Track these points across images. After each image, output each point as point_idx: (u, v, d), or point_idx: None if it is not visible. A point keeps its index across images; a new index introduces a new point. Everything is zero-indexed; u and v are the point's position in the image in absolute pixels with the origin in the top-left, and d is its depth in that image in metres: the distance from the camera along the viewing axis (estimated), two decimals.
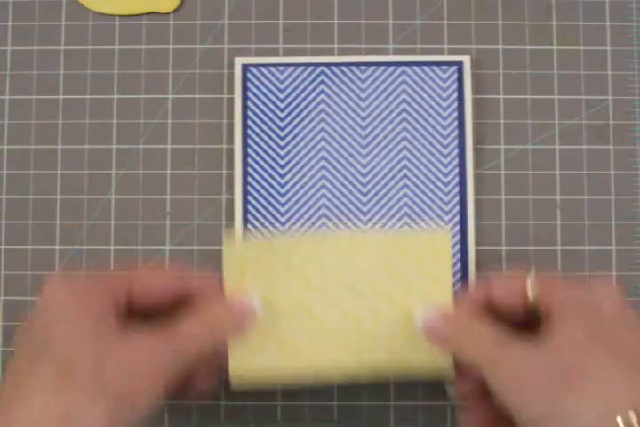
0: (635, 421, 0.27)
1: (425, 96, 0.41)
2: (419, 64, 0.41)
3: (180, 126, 0.41)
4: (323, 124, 0.41)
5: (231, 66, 0.41)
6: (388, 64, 0.41)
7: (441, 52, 0.42)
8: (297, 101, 0.41)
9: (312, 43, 0.42)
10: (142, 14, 0.42)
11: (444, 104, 0.41)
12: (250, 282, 0.36)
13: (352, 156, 0.41)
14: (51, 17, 0.42)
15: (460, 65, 0.41)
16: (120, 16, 0.42)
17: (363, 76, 0.41)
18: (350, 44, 0.42)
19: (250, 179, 0.40)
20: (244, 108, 0.41)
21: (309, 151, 0.40)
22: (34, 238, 0.41)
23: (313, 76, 0.41)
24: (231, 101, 0.41)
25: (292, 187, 0.40)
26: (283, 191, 0.40)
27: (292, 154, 0.40)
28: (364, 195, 0.40)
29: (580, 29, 0.42)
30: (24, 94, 0.42)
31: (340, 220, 0.40)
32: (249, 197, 0.40)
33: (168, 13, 0.42)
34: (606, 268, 0.40)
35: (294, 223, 0.40)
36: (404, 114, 0.41)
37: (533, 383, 0.30)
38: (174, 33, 0.42)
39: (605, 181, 0.41)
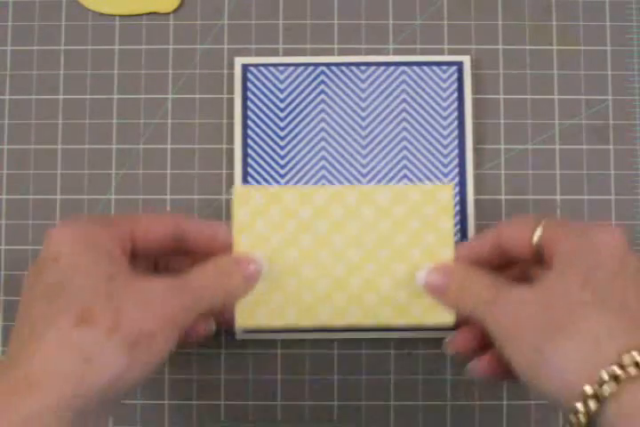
0: (619, 373, 0.27)
1: (425, 96, 0.41)
2: (419, 64, 0.41)
3: (180, 126, 0.41)
4: (323, 124, 0.41)
5: (231, 66, 0.41)
6: (388, 64, 0.41)
7: (441, 52, 0.42)
8: (297, 101, 0.41)
9: (312, 43, 0.42)
10: (142, 14, 0.42)
11: (444, 104, 0.41)
12: (259, 233, 0.36)
13: (352, 156, 0.41)
14: (51, 17, 0.42)
15: (459, 65, 0.41)
16: (120, 16, 0.42)
17: (363, 76, 0.41)
18: (350, 44, 0.42)
19: (250, 179, 0.40)
20: (244, 108, 0.41)
21: (309, 151, 0.41)
22: (34, 238, 0.41)
23: (313, 76, 0.41)
24: (231, 101, 0.41)
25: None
26: None
27: (291, 154, 0.40)
28: None
29: (580, 29, 0.42)
30: (24, 94, 0.42)
31: None
32: None
33: (168, 13, 0.42)
34: None
35: None
36: (403, 114, 0.41)
37: (524, 329, 0.30)
38: (174, 33, 0.42)
39: (605, 181, 0.41)
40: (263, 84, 0.41)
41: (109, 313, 0.29)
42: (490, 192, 0.41)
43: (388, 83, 0.41)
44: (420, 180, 0.40)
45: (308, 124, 0.41)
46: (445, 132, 0.41)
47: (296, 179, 0.40)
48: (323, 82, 0.41)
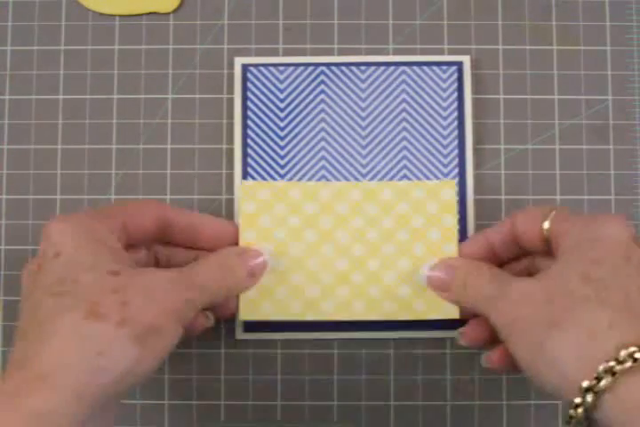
0: (616, 367, 0.27)
1: (425, 96, 0.41)
2: (419, 64, 0.41)
3: (180, 126, 0.41)
4: (323, 124, 0.41)
5: (231, 66, 0.41)
6: (388, 64, 0.41)
7: (441, 52, 0.42)
8: (297, 101, 0.41)
9: (312, 43, 0.42)
10: (142, 14, 0.42)
11: (444, 104, 0.41)
12: (264, 228, 0.37)
13: (352, 155, 0.41)
14: (51, 17, 0.42)
15: (459, 65, 0.41)
16: (120, 16, 0.42)
17: (363, 76, 0.41)
18: (350, 44, 0.42)
19: (250, 179, 0.40)
20: (244, 108, 0.41)
21: (309, 151, 0.40)
22: (34, 238, 0.41)
23: (313, 76, 0.41)
24: (231, 101, 0.41)
25: None
26: None
27: (291, 154, 0.40)
28: None
29: (580, 29, 0.42)
30: (24, 94, 0.42)
31: None
32: None
33: (168, 13, 0.42)
34: None
35: None
36: (403, 114, 0.41)
37: (526, 323, 0.30)
38: (174, 33, 0.42)
39: (605, 181, 0.41)
40: (263, 84, 0.41)
41: (117, 308, 0.29)
42: (490, 192, 0.41)
43: (388, 83, 0.41)
44: (419, 180, 0.40)
45: (308, 124, 0.41)
46: (445, 132, 0.41)
47: (296, 179, 0.40)
48: (323, 82, 0.41)
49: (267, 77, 0.41)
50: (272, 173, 0.40)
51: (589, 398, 0.27)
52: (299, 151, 0.40)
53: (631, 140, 0.41)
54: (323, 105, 0.41)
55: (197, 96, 0.42)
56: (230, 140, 0.41)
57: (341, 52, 0.42)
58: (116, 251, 0.32)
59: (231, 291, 0.35)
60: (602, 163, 0.41)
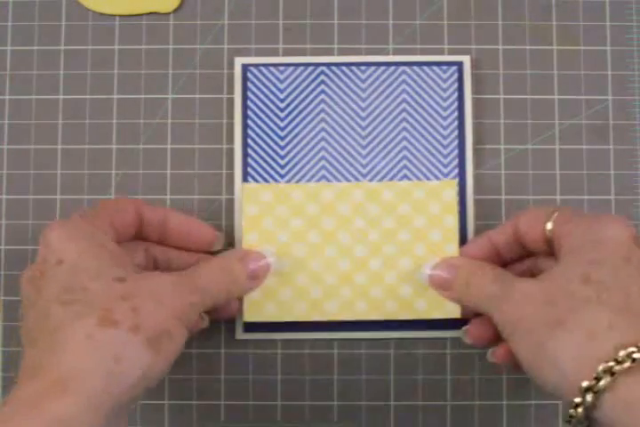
0: (615, 368, 0.27)
1: (425, 96, 0.41)
2: (419, 64, 0.41)
3: (179, 126, 0.41)
4: (323, 124, 0.41)
5: (231, 66, 0.41)
6: (388, 64, 0.41)
7: (441, 52, 0.42)
8: (297, 101, 0.41)
9: (312, 43, 0.42)
10: (142, 14, 0.42)
11: (444, 104, 0.41)
12: (267, 230, 0.37)
13: (352, 155, 0.41)
14: (51, 17, 0.42)
15: (459, 65, 0.41)
16: (120, 16, 0.42)
17: (363, 76, 0.41)
18: (350, 44, 0.42)
19: (250, 179, 0.40)
20: (244, 108, 0.41)
21: (309, 151, 0.40)
22: (34, 238, 0.41)
23: (313, 76, 0.41)
24: (231, 101, 0.41)
25: None
26: None
27: (292, 154, 0.40)
28: None
29: (580, 29, 0.42)
30: (24, 94, 0.42)
31: None
32: None
33: (168, 13, 0.42)
34: None
35: None
36: (404, 114, 0.41)
37: (527, 324, 0.30)
38: (174, 33, 0.42)
39: (605, 181, 0.41)
40: (263, 84, 0.41)
41: (129, 314, 0.29)
42: (490, 192, 0.41)
43: (388, 83, 0.41)
44: (419, 180, 0.40)
45: (308, 124, 0.41)
46: (445, 132, 0.41)
47: (296, 179, 0.40)
48: (323, 82, 0.41)
49: (267, 77, 0.41)
50: (272, 172, 0.40)
51: (589, 397, 0.27)
52: (299, 151, 0.40)
53: (631, 140, 0.41)
54: (323, 105, 0.41)
55: (197, 96, 0.42)
56: (230, 140, 0.41)
57: (341, 52, 0.42)
58: (116, 255, 0.32)
59: (232, 294, 0.35)
60: (602, 163, 0.41)
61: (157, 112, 0.41)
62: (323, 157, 0.40)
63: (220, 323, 0.39)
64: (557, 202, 0.41)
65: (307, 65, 0.41)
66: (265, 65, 0.41)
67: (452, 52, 0.42)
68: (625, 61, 0.42)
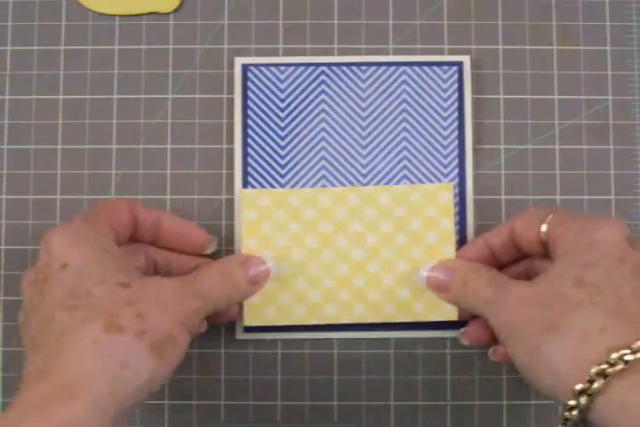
0: (608, 370, 0.27)
1: (425, 96, 0.41)
2: (419, 64, 0.41)
3: (179, 126, 0.41)
4: (323, 124, 0.41)
5: (231, 66, 0.41)
6: (388, 64, 0.41)
7: (441, 52, 0.42)
8: (297, 101, 0.41)
9: (312, 43, 0.42)
10: (142, 14, 0.42)
11: (444, 104, 0.41)
12: (266, 235, 0.38)
13: (352, 156, 0.41)
14: (51, 17, 0.42)
15: (460, 65, 0.41)
16: (120, 16, 0.42)
17: (363, 76, 0.41)
18: (350, 44, 0.42)
19: (250, 179, 0.40)
20: (244, 108, 0.41)
21: (309, 151, 0.40)
22: (34, 238, 0.41)
23: (313, 76, 0.41)
24: (231, 101, 0.41)
25: (292, 187, 0.40)
26: None
27: (292, 154, 0.40)
28: None
29: (580, 29, 0.42)
30: (24, 94, 0.42)
31: None
32: None
33: (168, 13, 0.42)
34: None
35: None
36: (404, 114, 0.41)
37: (522, 327, 0.30)
38: (174, 33, 0.42)
39: (605, 181, 0.41)
40: (263, 84, 0.41)
41: (134, 319, 0.29)
42: (489, 192, 0.41)
43: (388, 83, 0.41)
44: (419, 180, 0.40)
45: (309, 124, 0.41)
46: (445, 133, 0.41)
47: (296, 179, 0.40)
48: (323, 82, 0.41)
49: (267, 77, 0.41)
50: (272, 173, 0.40)
51: (583, 400, 0.27)
52: (299, 151, 0.40)
53: (631, 140, 0.41)
54: (323, 105, 0.41)
55: (197, 96, 0.42)
56: (230, 140, 0.41)
57: (341, 52, 0.42)
58: (119, 259, 0.32)
59: (233, 299, 0.35)
60: (602, 163, 0.41)
61: (157, 112, 0.41)
62: (323, 157, 0.40)
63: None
64: (557, 202, 0.41)
65: (307, 65, 0.41)
66: (265, 65, 0.41)
67: (451, 52, 0.42)
68: (625, 61, 0.42)
